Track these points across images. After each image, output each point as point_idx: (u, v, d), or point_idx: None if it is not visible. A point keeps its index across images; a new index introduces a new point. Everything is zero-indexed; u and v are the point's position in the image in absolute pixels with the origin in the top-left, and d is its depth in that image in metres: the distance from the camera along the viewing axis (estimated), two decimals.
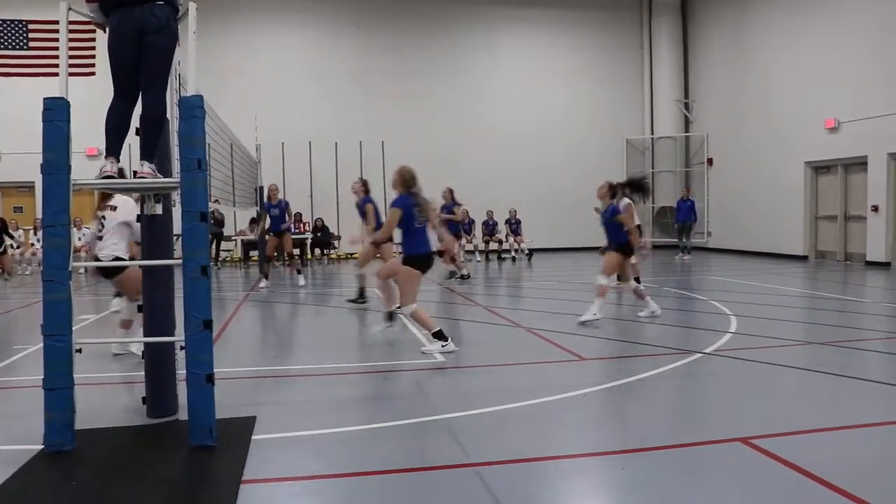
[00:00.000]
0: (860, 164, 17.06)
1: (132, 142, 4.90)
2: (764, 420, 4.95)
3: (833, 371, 6.35)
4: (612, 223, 9.31)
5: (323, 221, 21.07)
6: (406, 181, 7.69)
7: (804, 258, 18.77)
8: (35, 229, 19.21)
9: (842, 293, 12.25)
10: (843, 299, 11.40)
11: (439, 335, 7.40)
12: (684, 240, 20.35)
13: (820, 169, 18.62)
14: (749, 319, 9.22)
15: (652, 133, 24.37)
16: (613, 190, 9.53)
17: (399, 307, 7.76)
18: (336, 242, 21.77)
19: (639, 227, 10.68)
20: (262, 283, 13.80)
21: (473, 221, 21.15)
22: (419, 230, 7.60)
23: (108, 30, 4.87)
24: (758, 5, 20.42)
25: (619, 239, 9.27)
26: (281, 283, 14.92)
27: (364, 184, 11.74)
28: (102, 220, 7.19)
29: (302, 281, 14.44)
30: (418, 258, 7.57)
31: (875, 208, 16.51)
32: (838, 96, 17.29)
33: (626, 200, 9.74)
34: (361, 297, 11.24)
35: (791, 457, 4.12)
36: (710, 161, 22.96)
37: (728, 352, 7.19)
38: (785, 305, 10.76)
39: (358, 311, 10.74)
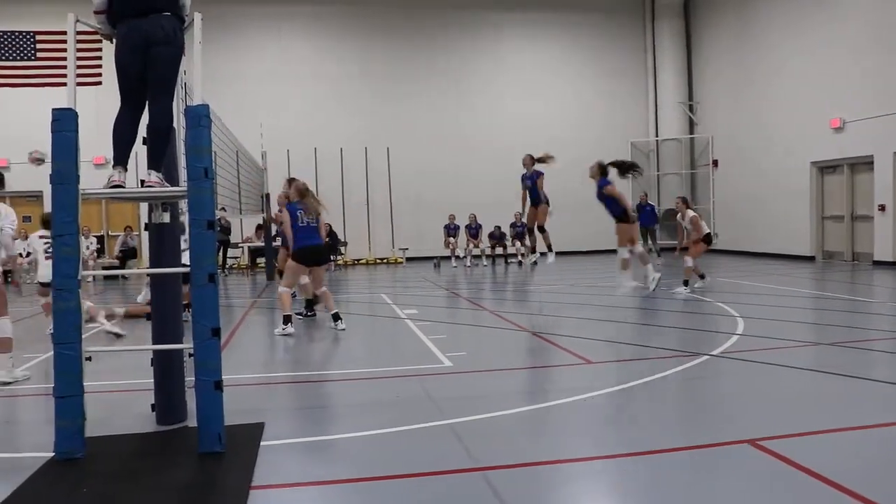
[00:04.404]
0: (866, 163, 17.02)
1: (139, 151, 4.94)
2: (772, 421, 4.95)
3: (841, 372, 6.34)
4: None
5: (331, 227, 21.05)
6: (301, 192, 9.45)
7: (811, 259, 18.72)
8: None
9: (850, 293, 12.23)
10: (851, 300, 11.38)
11: (288, 319, 9.08)
12: (650, 243, 20.02)
13: (826, 169, 18.59)
14: (756, 321, 9.21)
15: (656, 135, 24.37)
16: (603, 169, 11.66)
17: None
18: (343, 248, 21.79)
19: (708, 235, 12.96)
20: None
21: (481, 226, 21.17)
22: (304, 228, 9.28)
23: (115, 41, 4.92)
24: (760, 6, 20.41)
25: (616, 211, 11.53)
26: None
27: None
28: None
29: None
30: (303, 250, 9.22)
31: (882, 208, 16.46)
32: (843, 96, 17.26)
33: (692, 213, 12.81)
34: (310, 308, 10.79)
35: (800, 458, 4.13)
36: (715, 163, 22.93)
37: (736, 353, 7.19)
38: (792, 306, 10.74)
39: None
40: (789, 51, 19.24)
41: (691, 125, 24.11)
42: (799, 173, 18.99)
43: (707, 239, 12.96)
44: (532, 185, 12.55)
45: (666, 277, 15.27)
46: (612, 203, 11.54)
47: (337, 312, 9.49)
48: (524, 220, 13.29)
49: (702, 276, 12.88)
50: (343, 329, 9.34)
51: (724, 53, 22.32)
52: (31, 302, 13.82)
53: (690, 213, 13.06)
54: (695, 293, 12.14)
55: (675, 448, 4.47)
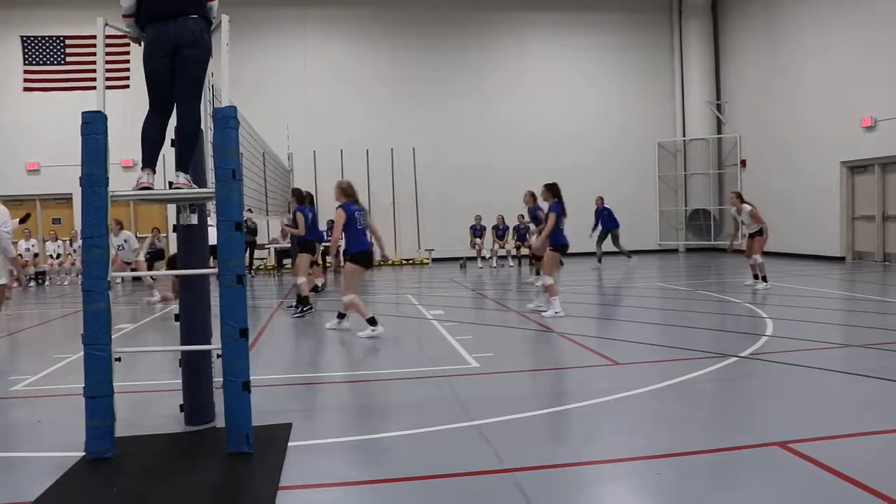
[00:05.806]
0: None
1: (167, 153, 4.99)
2: (802, 424, 4.88)
3: (872, 374, 6.23)
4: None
5: None
6: (346, 191, 9.12)
7: (841, 259, 18.45)
8: (72, 240, 19.58)
9: (881, 294, 12.03)
10: (882, 301, 11.20)
11: (372, 321, 8.86)
12: (602, 248, 19.55)
13: (856, 168, 18.30)
14: (785, 322, 9.10)
15: (684, 135, 24.16)
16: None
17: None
18: None
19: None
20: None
21: (508, 228, 21.13)
22: (360, 231, 8.99)
23: (143, 44, 4.97)
24: (789, 4, 20.15)
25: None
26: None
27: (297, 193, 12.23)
28: None
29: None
30: (360, 255, 8.94)
31: None
32: (875, 94, 16.98)
33: (749, 206, 12.91)
34: (305, 305, 11.16)
35: (830, 461, 4.07)
36: (743, 163, 22.67)
37: (764, 355, 7.11)
38: (822, 308, 10.59)
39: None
40: (819, 49, 18.96)
41: (719, 125, 23.87)
42: (829, 173, 18.72)
43: (761, 231, 13.07)
44: (533, 217, 13.71)
45: (697, 277, 15.13)
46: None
47: (308, 297, 10.82)
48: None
49: (764, 278, 12.99)
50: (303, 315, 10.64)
51: (753, 52, 22.07)
52: (61, 303, 14.03)
53: (747, 206, 13.13)
54: (721, 294, 12.04)
55: (704, 450, 4.43)
